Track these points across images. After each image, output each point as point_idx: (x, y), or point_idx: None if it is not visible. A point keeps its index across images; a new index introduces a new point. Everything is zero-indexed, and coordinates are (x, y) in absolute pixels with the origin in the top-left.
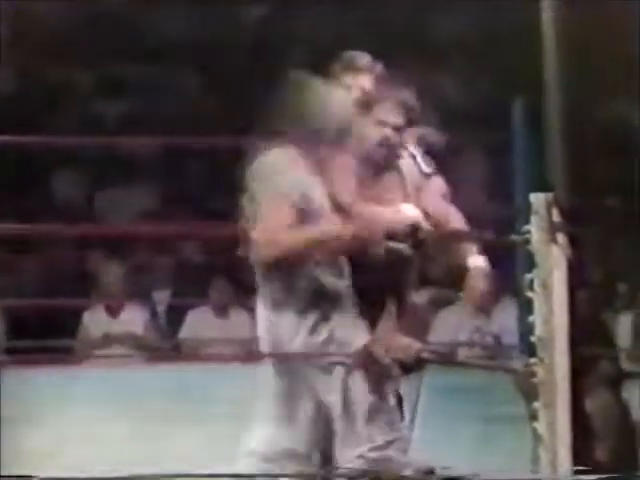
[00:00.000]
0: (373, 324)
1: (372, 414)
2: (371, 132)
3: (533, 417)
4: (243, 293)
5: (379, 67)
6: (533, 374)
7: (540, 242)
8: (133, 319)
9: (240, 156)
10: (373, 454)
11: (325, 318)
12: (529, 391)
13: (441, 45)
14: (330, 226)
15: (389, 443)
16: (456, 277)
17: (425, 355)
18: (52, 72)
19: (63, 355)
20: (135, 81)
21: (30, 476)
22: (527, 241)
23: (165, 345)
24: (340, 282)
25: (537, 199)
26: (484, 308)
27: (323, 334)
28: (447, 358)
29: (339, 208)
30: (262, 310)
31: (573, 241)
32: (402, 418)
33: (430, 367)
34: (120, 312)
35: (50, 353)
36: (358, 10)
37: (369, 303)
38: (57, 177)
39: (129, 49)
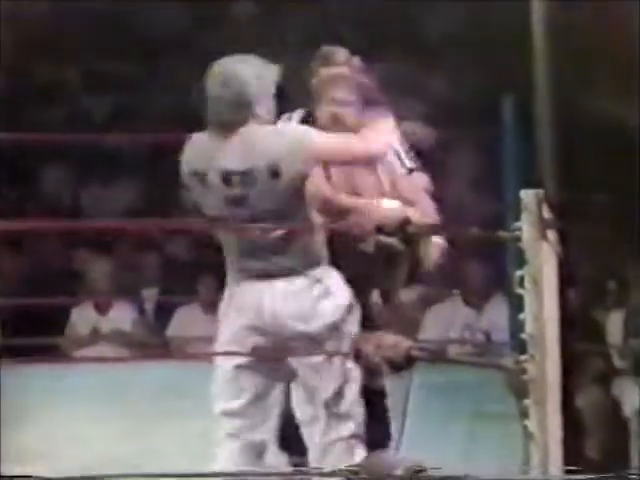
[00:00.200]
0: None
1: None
2: (322, 112)
3: (524, 414)
4: None
5: (356, 60)
6: (524, 371)
7: (530, 239)
8: (121, 316)
9: None
10: (352, 441)
11: None
12: (520, 388)
13: (432, 42)
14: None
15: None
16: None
17: (415, 353)
18: (39, 69)
19: (51, 353)
20: (122, 78)
21: (30, 476)
22: (517, 238)
23: (153, 342)
24: None
25: (527, 196)
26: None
27: None
28: (437, 355)
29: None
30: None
31: (563, 238)
32: (387, 417)
33: (420, 365)
34: (108, 309)
35: (37, 351)
36: (348, 7)
37: (357, 298)
38: (43, 174)
39: (117, 46)
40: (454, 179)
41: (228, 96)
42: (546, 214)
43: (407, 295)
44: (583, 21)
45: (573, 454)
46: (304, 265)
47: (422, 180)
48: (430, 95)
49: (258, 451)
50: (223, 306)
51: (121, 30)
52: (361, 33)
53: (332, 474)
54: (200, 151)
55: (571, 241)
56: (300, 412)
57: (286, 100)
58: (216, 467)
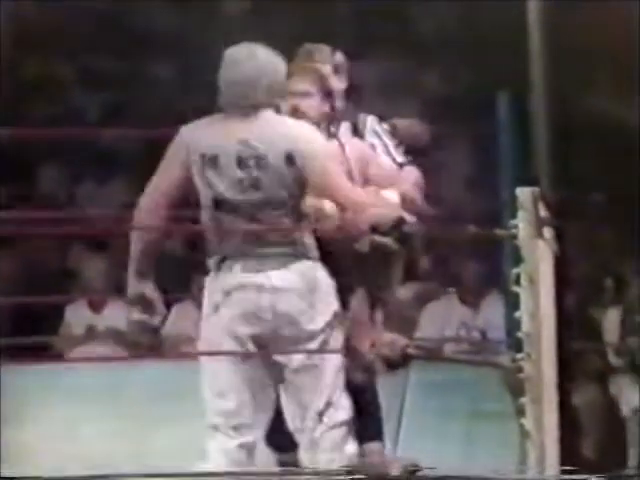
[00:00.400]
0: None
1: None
2: (283, 105)
3: (520, 413)
4: None
5: (338, 57)
6: (520, 369)
7: (526, 237)
8: (116, 315)
9: None
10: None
11: None
12: (516, 387)
13: (427, 39)
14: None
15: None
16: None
17: (411, 351)
18: (33, 65)
19: (46, 352)
20: (116, 75)
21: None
22: (514, 236)
23: (148, 341)
24: None
25: (523, 194)
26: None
27: None
28: (433, 354)
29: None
30: None
31: (560, 236)
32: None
33: (416, 363)
34: (103, 308)
35: (32, 350)
36: (342, 4)
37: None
38: (38, 170)
39: (111, 42)
40: (450, 177)
41: (262, 80)
42: (542, 212)
43: (403, 293)
44: (580, 19)
45: (570, 452)
46: (297, 254)
47: (413, 175)
48: (426, 92)
49: (248, 449)
50: (209, 299)
51: (117, 28)
52: (357, 31)
53: (327, 473)
54: (211, 133)
55: (567, 239)
56: (288, 407)
57: None
58: (207, 466)
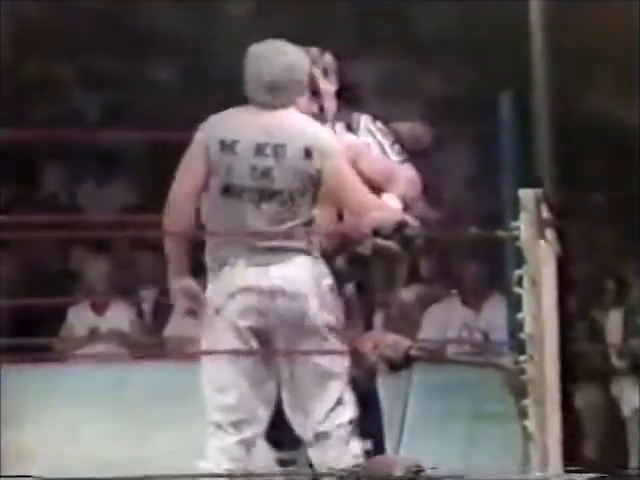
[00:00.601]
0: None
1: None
2: None
3: (523, 414)
4: None
5: (327, 58)
6: (523, 371)
7: (529, 238)
8: (119, 316)
9: None
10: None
11: None
12: (519, 388)
13: (429, 40)
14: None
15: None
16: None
17: (413, 352)
18: (33, 66)
19: (48, 353)
20: (118, 75)
21: (29, 476)
22: (516, 237)
23: (151, 342)
24: None
25: (526, 195)
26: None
27: None
28: (436, 355)
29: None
30: None
31: (562, 237)
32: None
33: (419, 364)
34: (106, 309)
35: (35, 351)
36: (343, 4)
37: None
38: (39, 171)
39: (112, 43)
40: (452, 178)
41: (288, 77)
42: (545, 213)
43: (405, 295)
44: (581, 19)
45: (572, 454)
46: (301, 250)
47: (409, 173)
48: (427, 93)
49: (247, 445)
50: (213, 296)
51: (118, 29)
52: (358, 31)
53: (330, 475)
54: (232, 122)
55: (570, 240)
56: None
57: None
58: (206, 463)
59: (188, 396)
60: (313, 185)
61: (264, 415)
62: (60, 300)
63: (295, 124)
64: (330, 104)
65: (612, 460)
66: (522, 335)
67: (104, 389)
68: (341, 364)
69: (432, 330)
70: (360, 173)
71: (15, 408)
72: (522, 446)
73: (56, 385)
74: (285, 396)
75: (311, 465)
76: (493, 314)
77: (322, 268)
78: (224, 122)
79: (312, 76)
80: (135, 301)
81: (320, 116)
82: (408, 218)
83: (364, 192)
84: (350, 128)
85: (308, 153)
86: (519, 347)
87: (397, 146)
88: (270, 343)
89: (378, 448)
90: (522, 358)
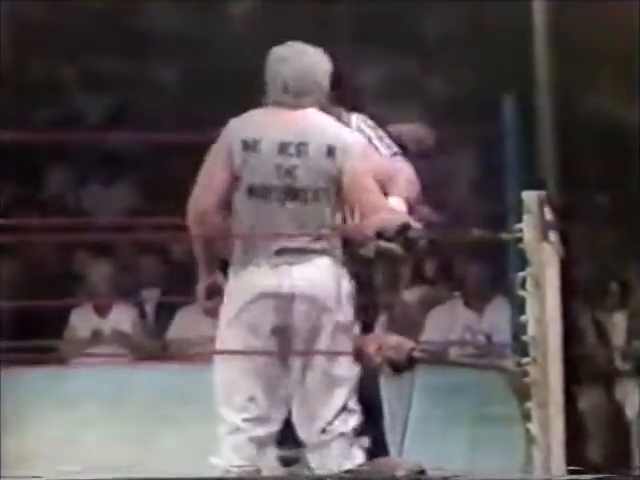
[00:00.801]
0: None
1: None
2: None
3: (526, 417)
4: None
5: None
6: (526, 374)
7: (532, 240)
8: (122, 318)
9: None
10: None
11: None
12: (522, 391)
13: (432, 41)
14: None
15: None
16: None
17: (416, 354)
18: (36, 67)
19: (51, 356)
20: (121, 76)
21: (30, 476)
22: (519, 239)
23: (154, 344)
24: None
25: (529, 197)
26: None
27: None
28: (439, 357)
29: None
30: None
31: (565, 239)
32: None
33: (422, 367)
34: (108, 311)
35: (38, 354)
36: (347, 5)
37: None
38: (43, 174)
39: (115, 44)
40: (455, 180)
41: (311, 78)
42: (548, 215)
43: (408, 297)
44: (585, 20)
45: (575, 457)
46: (322, 251)
47: (407, 172)
48: (430, 95)
49: (259, 443)
50: (235, 296)
51: (120, 29)
52: (360, 33)
53: (332, 477)
54: (254, 122)
55: (573, 242)
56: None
57: None
58: (218, 460)
59: (191, 398)
60: (335, 184)
61: (278, 416)
62: (63, 302)
63: (317, 123)
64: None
65: (615, 462)
66: (525, 337)
67: (107, 391)
68: (350, 370)
69: (435, 332)
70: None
71: (17, 410)
72: (525, 448)
73: (58, 387)
74: (294, 398)
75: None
76: (496, 316)
77: (343, 270)
78: (245, 123)
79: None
80: (138, 303)
81: None
82: (411, 220)
83: (378, 194)
84: None
85: (330, 152)
86: (522, 349)
87: (387, 140)
88: (289, 345)
89: (380, 450)
90: (525, 360)
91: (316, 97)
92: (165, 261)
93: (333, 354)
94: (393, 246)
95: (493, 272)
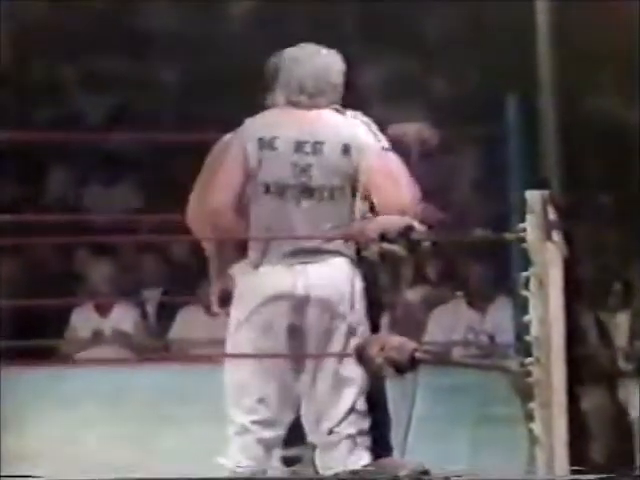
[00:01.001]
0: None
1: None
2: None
3: (529, 417)
4: None
5: None
6: (529, 374)
7: (535, 240)
8: (123, 318)
9: None
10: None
11: None
12: (525, 391)
13: (435, 41)
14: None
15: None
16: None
17: (419, 355)
18: (36, 67)
19: (52, 355)
20: (121, 77)
21: (30, 476)
22: (522, 239)
23: (155, 344)
24: None
25: (532, 197)
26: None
27: None
28: (441, 358)
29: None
30: None
31: (569, 239)
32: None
33: (424, 367)
34: (110, 311)
35: (38, 353)
36: (350, 5)
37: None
38: (43, 174)
39: (116, 44)
40: (458, 180)
41: (326, 79)
42: (551, 215)
43: (411, 297)
44: (588, 20)
45: (578, 457)
46: (337, 251)
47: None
48: (434, 95)
49: (267, 445)
50: (248, 296)
51: (121, 29)
52: (363, 33)
53: (335, 477)
54: (269, 121)
55: (577, 242)
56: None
57: None
58: (226, 460)
59: (192, 398)
60: (351, 183)
61: (286, 418)
62: (64, 301)
63: (332, 122)
64: None
65: (618, 463)
66: (528, 337)
67: (107, 391)
68: (359, 371)
69: (438, 332)
70: None
71: (17, 410)
72: (528, 449)
73: (58, 387)
74: (304, 398)
75: (315, 463)
76: (499, 316)
77: (356, 271)
78: (261, 122)
79: None
80: (139, 303)
81: None
82: (414, 222)
83: (394, 193)
84: None
85: (346, 150)
86: (525, 350)
87: (379, 135)
88: (303, 345)
89: (384, 450)
90: (528, 361)
91: (331, 97)
92: (166, 261)
93: (336, 355)
94: (396, 248)
95: (496, 272)
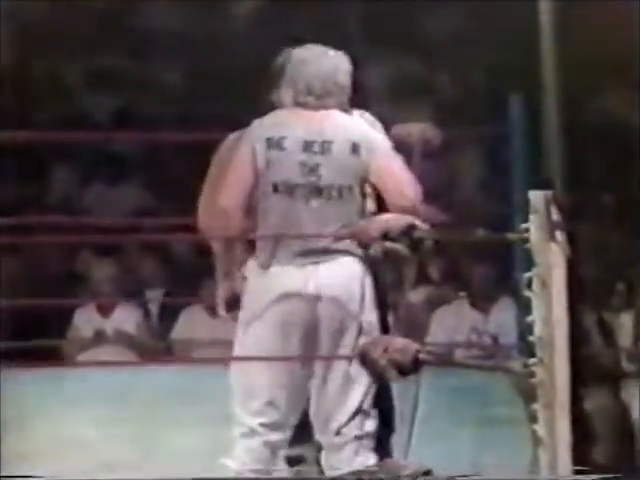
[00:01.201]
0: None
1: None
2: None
3: (532, 418)
4: None
5: None
6: (532, 375)
7: (539, 240)
8: (125, 318)
9: None
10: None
11: None
12: (528, 392)
13: (439, 41)
14: None
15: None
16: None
17: (422, 356)
18: (40, 67)
19: (54, 356)
20: (125, 77)
21: (30, 476)
22: (526, 239)
23: (158, 345)
24: None
25: (536, 197)
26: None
27: None
28: (444, 359)
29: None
30: None
31: (572, 239)
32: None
33: (427, 368)
34: (112, 311)
35: (40, 354)
36: (353, 5)
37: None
38: (46, 173)
39: (118, 44)
40: (462, 179)
41: (333, 79)
42: (555, 215)
43: (414, 298)
44: (591, 20)
45: (582, 458)
46: (346, 250)
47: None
48: (437, 94)
49: (273, 448)
50: (258, 295)
51: (124, 29)
52: (367, 33)
53: (339, 477)
54: (277, 121)
55: (580, 242)
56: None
57: None
58: (231, 461)
59: (195, 399)
60: (360, 181)
61: (293, 420)
62: (66, 302)
63: (340, 122)
64: None
65: (622, 463)
66: (532, 338)
67: (109, 391)
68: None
69: (441, 333)
70: None
71: (18, 410)
72: (531, 450)
73: (60, 387)
74: (313, 398)
75: (319, 463)
76: (502, 317)
77: (367, 270)
78: (269, 122)
79: None
80: (142, 303)
81: None
82: (417, 221)
83: (403, 192)
84: None
85: (355, 149)
86: (528, 350)
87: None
88: (315, 344)
89: (386, 451)
90: (531, 361)
91: (338, 98)
92: (169, 261)
93: (340, 358)
94: (399, 246)
95: (499, 272)
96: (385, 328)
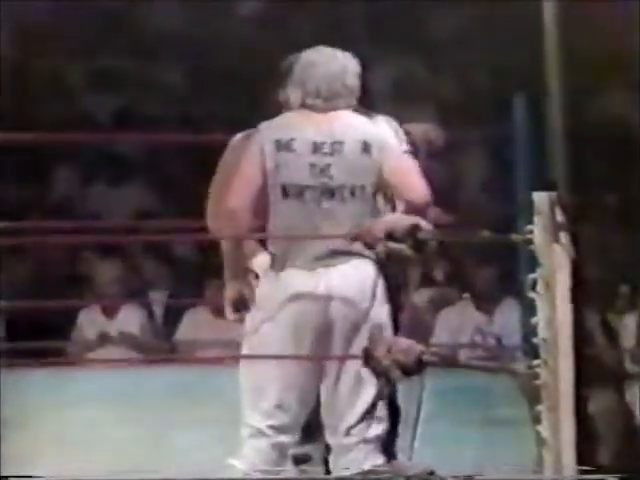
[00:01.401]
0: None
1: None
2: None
3: (536, 420)
4: None
5: None
6: (536, 376)
7: (543, 242)
8: (129, 320)
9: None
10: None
11: None
12: (532, 393)
13: (443, 41)
14: None
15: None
16: None
17: (426, 357)
18: (41, 66)
19: (58, 356)
20: (128, 77)
21: (30, 476)
22: (530, 241)
23: (162, 346)
24: None
25: (540, 198)
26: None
27: None
28: (448, 360)
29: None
30: None
31: (576, 241)
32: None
33: (431, 369)
34: (116, 313)
35: (45, 354)
36: (357, 6)
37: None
38: (49, 174)
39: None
40: (465, 181)
41: (343, 81)
42: (559, 217)
43: (418, 299)
44: (596, 21)
45: (586, 459)
46: (358, 252)
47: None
48: (441, 95)
49: (281, 449)
50: (270, 297)
51: (126, 29)
52: (371, 33)
53: (342, 477)
54: (286, 123)
55: (584, 244)
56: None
57: None
58: (239, 462)
59: (199, 400)
60: (372, 181)
61: (302, 421)
62: (70, 303)
63: (350, 122)
64: None
65: (626, 465)
66: (536, 340)
67: (112, 392)
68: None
69: (445, 334)
70: None
71: (20, 410)
72: (535, 452)
73: (63, 388)
74: (324, 399)
75: (325, 461)
76: (506, 318)
77: (379, 271)
78: (278, 124)
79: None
80: (146, 304)
81: None
82: (421, 221)
83: (416, 191)
84: None
85: (366, 148)
86: (533, 352)
87: (402, 136)
88: (328, 345)
89: (391, 453)
90: (536, 363)
91: (347, 100)
92: (173, 262)
93: (344, 358)
94: (403, 247)
95: (503, 274)
96: (397, 329)
